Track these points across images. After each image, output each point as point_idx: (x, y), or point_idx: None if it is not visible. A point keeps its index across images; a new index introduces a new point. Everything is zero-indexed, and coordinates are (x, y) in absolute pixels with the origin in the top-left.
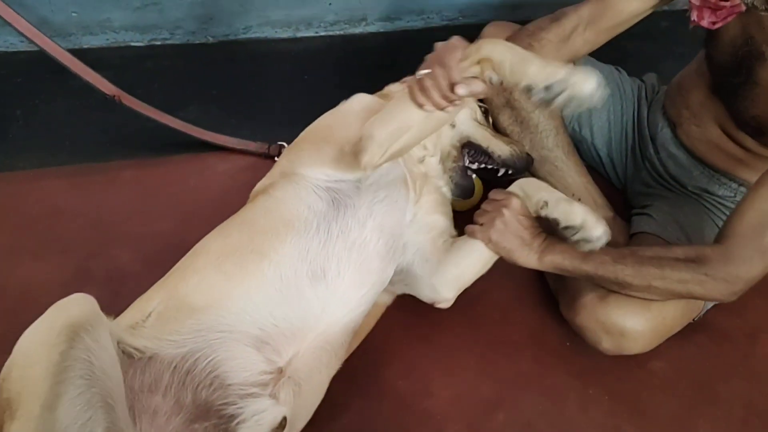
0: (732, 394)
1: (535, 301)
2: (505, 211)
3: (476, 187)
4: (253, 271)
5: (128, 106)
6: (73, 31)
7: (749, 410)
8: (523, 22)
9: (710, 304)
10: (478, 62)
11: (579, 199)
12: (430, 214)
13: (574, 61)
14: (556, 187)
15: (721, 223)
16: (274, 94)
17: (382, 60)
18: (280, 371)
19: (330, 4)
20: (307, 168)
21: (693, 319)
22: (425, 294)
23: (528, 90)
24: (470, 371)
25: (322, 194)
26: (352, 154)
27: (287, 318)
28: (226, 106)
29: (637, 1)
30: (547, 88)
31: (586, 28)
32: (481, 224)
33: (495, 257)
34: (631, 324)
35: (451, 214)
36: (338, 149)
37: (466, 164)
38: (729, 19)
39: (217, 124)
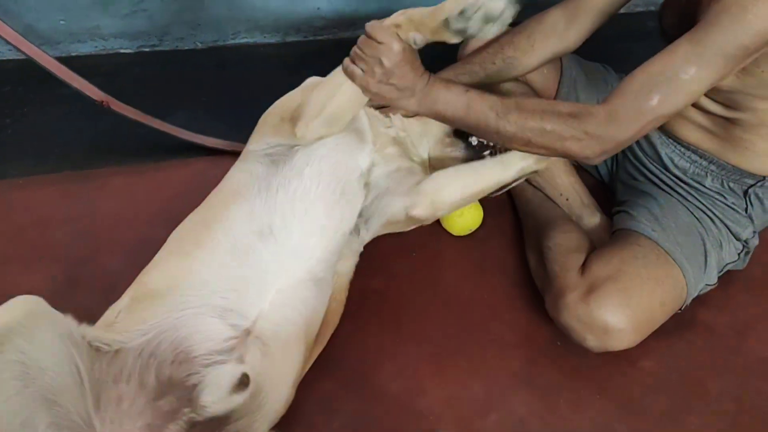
0: (722, 390)
1: (526, 301)
2: (385, 60)
3: (476, 214)
4: (207, 243)
5: (117, 112)
6: (61, 38)
7: (739, 406)
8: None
9: (694, 294)
10: (397, 27)
11: (567, 199)
12: (394, 160)
13: (567, 52)
14: (544, 188)
15: (696, 211)
16: (264, 99)
17: None
18: (247, 332)
19: (319, 8)
20: (253, 143)
21: (680, 309)
22: (399, 203)
23: (447, 24)
24: (462, 371)
25: (263, 159)
26: (290, 122)
27: (245, 279)
28: (215, 111)
29: None
30: (462, 12)
31: (569, 23)
32: (361, 68)
33: (478, 196)
34: (614, 321)
35: (420, 168)
36: (278, 118)
37: (468, 141)
38: None
39: (206, 129)
